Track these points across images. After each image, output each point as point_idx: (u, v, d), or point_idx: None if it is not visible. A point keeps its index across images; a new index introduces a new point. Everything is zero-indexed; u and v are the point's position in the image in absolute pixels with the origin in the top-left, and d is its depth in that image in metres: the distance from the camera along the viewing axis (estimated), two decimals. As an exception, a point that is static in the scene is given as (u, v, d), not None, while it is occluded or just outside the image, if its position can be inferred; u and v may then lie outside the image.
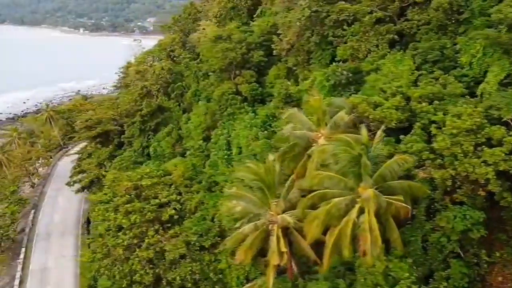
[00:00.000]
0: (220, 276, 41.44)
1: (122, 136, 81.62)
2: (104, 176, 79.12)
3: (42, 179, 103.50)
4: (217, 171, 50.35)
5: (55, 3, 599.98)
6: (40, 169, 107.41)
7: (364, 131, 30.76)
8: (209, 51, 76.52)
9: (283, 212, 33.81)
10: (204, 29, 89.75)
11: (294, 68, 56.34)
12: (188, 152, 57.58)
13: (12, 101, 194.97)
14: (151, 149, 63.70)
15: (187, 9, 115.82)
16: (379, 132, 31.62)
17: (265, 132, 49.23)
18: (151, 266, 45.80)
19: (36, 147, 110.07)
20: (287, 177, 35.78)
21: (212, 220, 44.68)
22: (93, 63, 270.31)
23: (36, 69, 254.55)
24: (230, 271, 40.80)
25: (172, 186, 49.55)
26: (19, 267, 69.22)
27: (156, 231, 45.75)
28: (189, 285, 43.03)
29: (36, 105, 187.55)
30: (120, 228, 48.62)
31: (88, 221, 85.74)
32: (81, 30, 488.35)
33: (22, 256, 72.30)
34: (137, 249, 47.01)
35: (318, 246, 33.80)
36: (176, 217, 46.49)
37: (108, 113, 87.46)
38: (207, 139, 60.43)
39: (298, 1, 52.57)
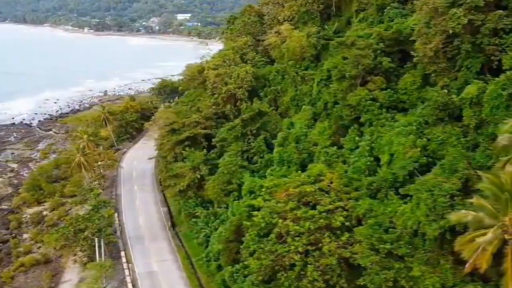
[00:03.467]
0: (411, 283, 41.48)
1: (213, 139, 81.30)
2: (199, 179, 78.96)
3: (111, 181, 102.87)
4: (374, 177, 50.32)
5: (55, 1, 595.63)
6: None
7: None
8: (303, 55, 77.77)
9: (518, 222, 34.06)
10: (278, 33, 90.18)
11: (432, 75, 56.55)
12: (322, 159, 57.40)
13: (41, 101, 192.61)
14: (275, 155, 63.33)
15: (246, 11, 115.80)
16: None
17: (423, 139, 49.43)
18: (319, 272, 45.74)
19: (99, 149, 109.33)
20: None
21: (392, 227, 44.67)
22: (111, 64, 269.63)
23: (54, 70, 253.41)
24: (424, 278, 40.81)
25: (332, 192, 49.46)
26: (127, 271, 68.58)
27: (329, 237, 45.78)
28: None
29: (68, 105, 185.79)
30: (277, 235, 48.57)
31: (173, 225, 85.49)
32: (86, 29, 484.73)
33: (124, 260, 71.83)
34: (299, 255, 47.02)
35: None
36: (347, 224, 46.52)
37: (192, 116, 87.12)
38: (333, 145, 60.43)
39: (449, 10, 52.63)
